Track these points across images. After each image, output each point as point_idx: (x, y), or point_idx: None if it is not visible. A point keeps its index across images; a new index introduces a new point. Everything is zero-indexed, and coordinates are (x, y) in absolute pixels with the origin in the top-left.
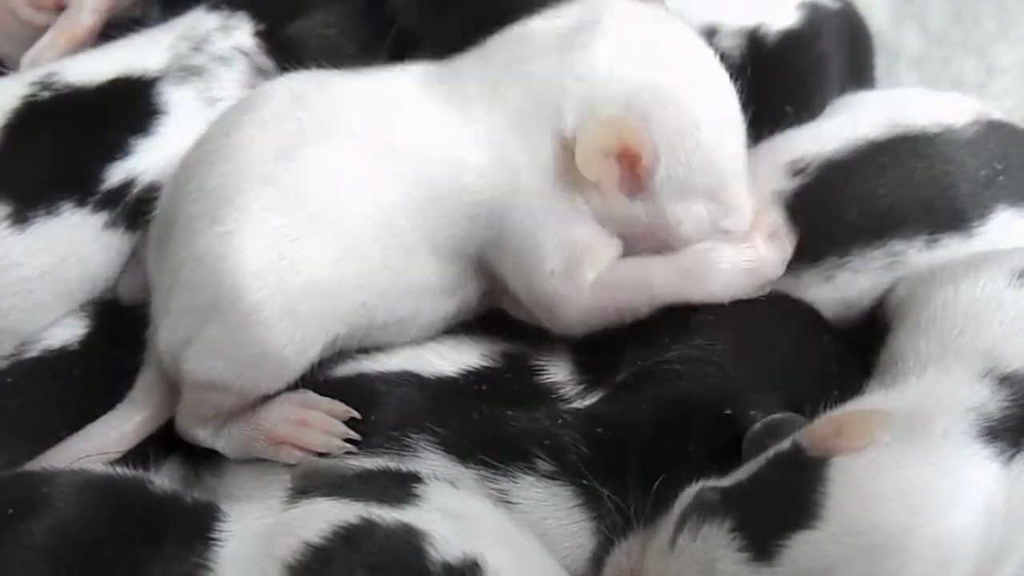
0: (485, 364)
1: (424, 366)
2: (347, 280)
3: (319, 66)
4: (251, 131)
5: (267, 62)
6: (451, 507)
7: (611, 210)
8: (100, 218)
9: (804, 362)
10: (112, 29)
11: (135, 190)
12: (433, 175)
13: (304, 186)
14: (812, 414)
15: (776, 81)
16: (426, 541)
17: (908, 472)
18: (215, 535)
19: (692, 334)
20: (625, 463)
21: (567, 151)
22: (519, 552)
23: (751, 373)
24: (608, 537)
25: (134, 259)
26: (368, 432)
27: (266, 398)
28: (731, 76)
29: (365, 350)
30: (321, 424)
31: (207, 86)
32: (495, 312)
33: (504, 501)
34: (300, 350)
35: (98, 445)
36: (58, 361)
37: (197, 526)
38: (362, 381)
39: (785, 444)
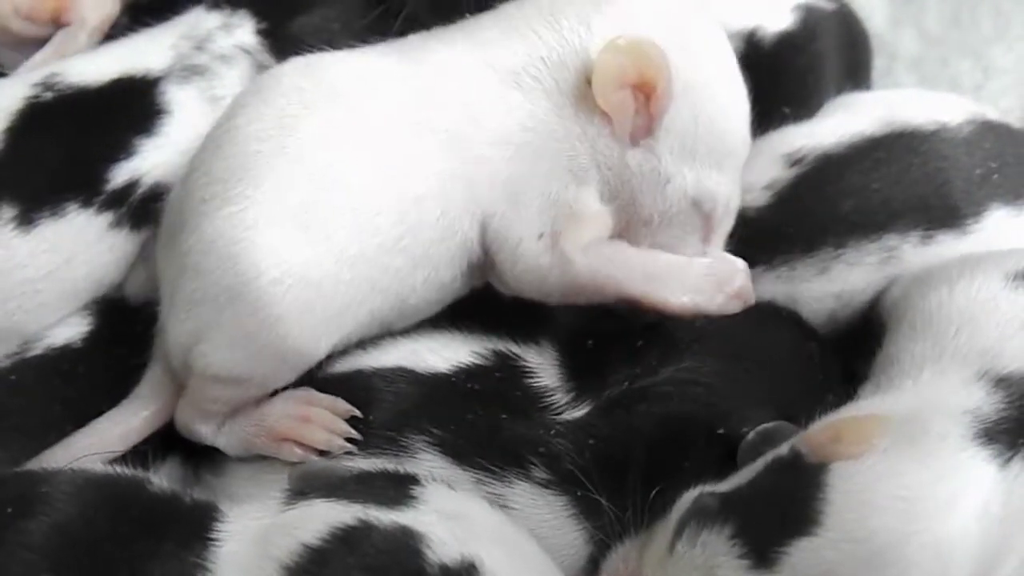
0: (475, 361)
1: (418, 362)
2: (365, 246)
3: None
4: (256, 110)
5: (270, 60)
6: (448, 509)
7: (611, 158)
8: (105, 218)
9: (792, 374)
10: (111, 28)
11: (140, 190)
12: (446, 123)
13: (314, 153)
14: (804, 423)
15: (773, 83)
16: (423, 543)
17: (906, 478)
18: (213, 535)
19: (680, 354)
20: (619, 475)
21: (584, 81)
22: (516, 554)
23: (741, 391)
24: (604, 543)
25: (141, 258)
26: (366, 432)
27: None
28: None
29: (362, 346)
30: (323, 421)
31: (210, 85)
32: (480, 301)
33: (500, 506)
34: (318, 331)
35: (101, 442)
36: (62, 359)
37: (196, 526)
38: (359, 378)
39: (783, 450)
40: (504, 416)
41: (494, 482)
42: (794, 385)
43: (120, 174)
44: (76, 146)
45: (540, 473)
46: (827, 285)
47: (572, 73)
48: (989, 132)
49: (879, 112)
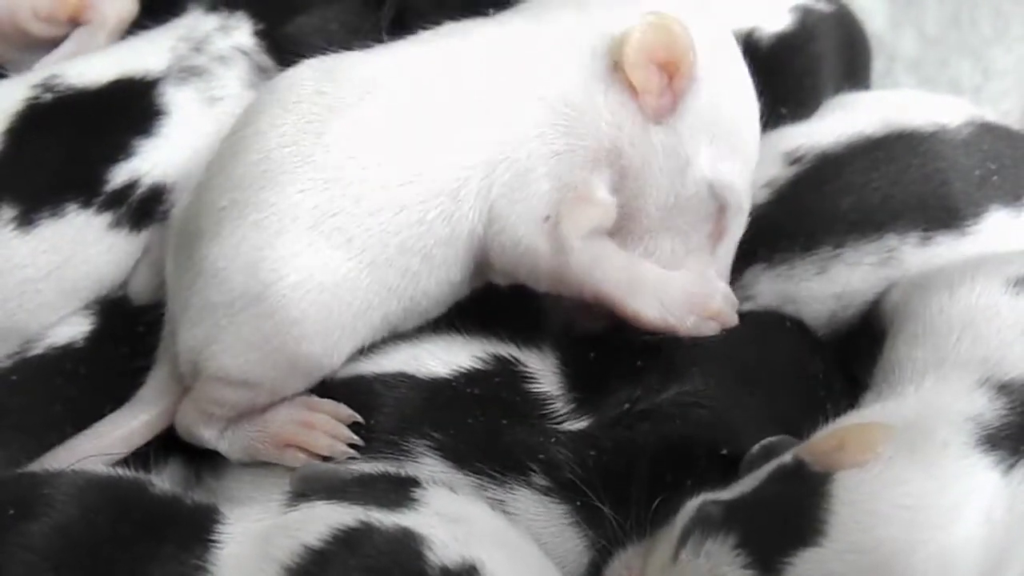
0: (476, 366)
1: (419, 367)
2: (386, 247)
3: None
4: (274, 116)
5: (267, 60)
6: (450, 511)
7: (635, 135)
8: (105, 219)
9: (797, 395)
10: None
11: (139, 191)
12: (471, 113)
13: (340, 157)
14: (807, 438)
15: (771, 84)
16: (425, 545)
17: (910, 487)
18: (214, 537)
19: (682, 375)
20: (620, 486)
21: (613, 62)
22: (517, 557)
23: (745, 414)
24: (605, 552)
25: (144, 260)
26: (368, 437)
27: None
28: None
29: (363, 351)
30: (326, 427)
31: (208, 86)
32: (481, 305)
33: (502, 512)
34: (333, 337)
35: (103, 445)
36: (63, 358)
37: (197, 528)
38: (360, 383)
39: (787, 458)
40: (504, 421)
41: (495, 487)
42: (798, 406)
43: (119, 175)
44: (75, 147)
45: (540, 480)
46: (827, 285)
47: (601, 54)
48: (988, 134)
49: (878, 112)
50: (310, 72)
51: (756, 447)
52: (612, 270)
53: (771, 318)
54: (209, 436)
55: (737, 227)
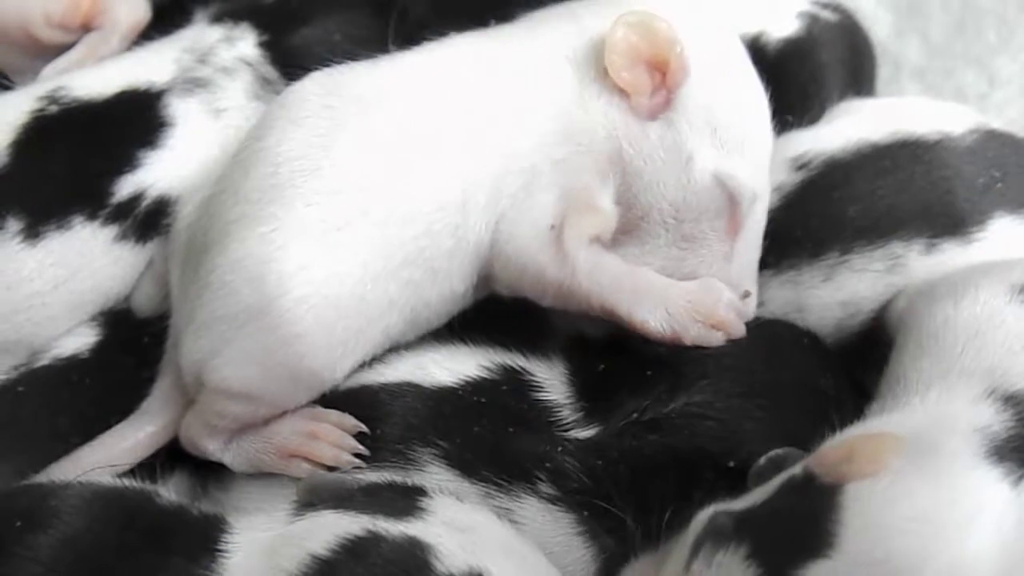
0: (482, 375)
1: (424, 376)
2: (391, 259)
3: None
4: (285, 130)
5: (272, 72)
6: (457, 520)
7: (633, 134)
8: (111, 231)
9: (806, 410)
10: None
11: (144, 202)
12: (475, 124)
13: (347, 171)
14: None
15: (776, 91)
16: (432, 554)
17: (921, 500)
18: (221, 547)
19: (691, 386)
20: (627, 497)
21: (604, 65)
22: (525, 566)
23: (753, 427)
24: (612, 562)
25: (149, 272)
26: (373, 446)
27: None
28: None
29: (368, 362)
30: (331, 437)
31: (213, 97)
32: (487, 315)
33: (509, 521)
34: (335, 351)
35: (109, 456)
36: (69, 369)
37: (204, 538)
38: (365, 393)
39: (796, 470)
40: (511, 429)
41: (501, 496)
42: (806, 421)
43: (125, 187)
44: (81, 159)
45: (547, 489)
46: (833, 292)
47: (592, 60)
48: (993, 141)
49: (884, 119)
50: (316, 86)
51: (763, 459)
52: (616, 281)
53: (785, 330)
54: (213, 448)
55: (755, 219)
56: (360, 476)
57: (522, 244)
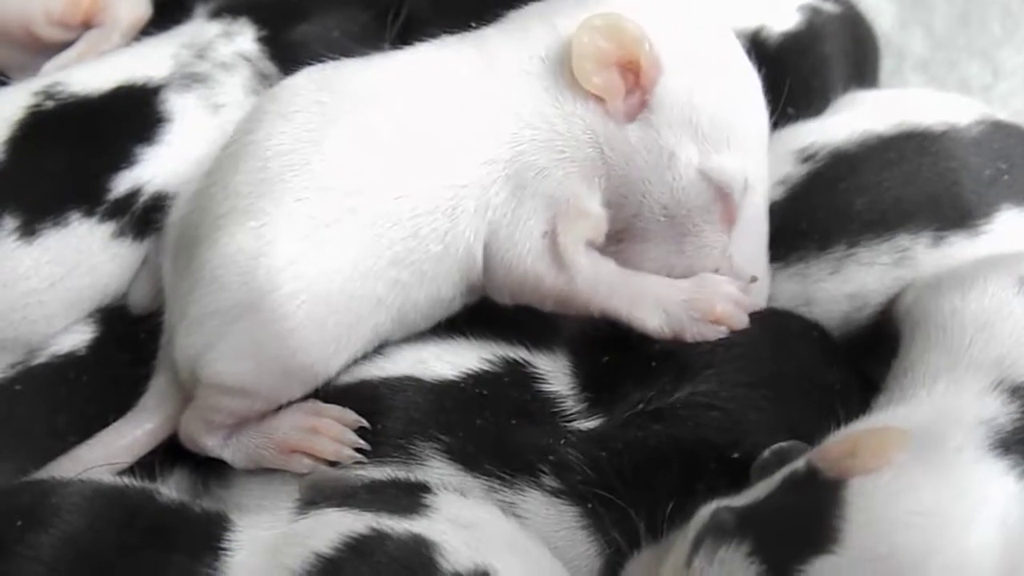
0: (484, 368)
1: (425, 370)
2: (379, 259)
3: None
4: (273, 125)
5: (270, 67)
6: (461, 517)
7: (614, 138)
8: (108, 228)
9: (811, 404)
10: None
11: (142, 199)
12: (459, 129)
13: (336, 167)
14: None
15: (779, 84)
16: (436, 551)
17: (925, 494)
18: (224, 545)
19: (696, 377)
20: (631, 489)
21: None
22: (530, 562)
23: (758, 419)
24: (616, 555)
25: (145, 268)
26: (375, 441)
27: (276, 408)
28: None
29: (368, 356)
30: (331, 432)
31: (211, 93)
32: (489, 310)
33: (512, 515)
34: (327, 347)
35: (108, 453)
36: (66, 367)
37: (206, 536)
38: (365, 388)
39: (800, 464)
40: (514, 421)
41: (504, 489)
42: (812, 414)
43: (122, 183)
44: (78, 155)
45: (550, 481)
46: (841, 285)
47: (565, 64)
48: (999, 132)
49: (890, 111)
50: (308, 82)
51: (767, 452)
52: (612, 286)
53: (793, 322)
54: (213, 444)
55: (753, 206)
56: (362, 472)
57: (518, 254)
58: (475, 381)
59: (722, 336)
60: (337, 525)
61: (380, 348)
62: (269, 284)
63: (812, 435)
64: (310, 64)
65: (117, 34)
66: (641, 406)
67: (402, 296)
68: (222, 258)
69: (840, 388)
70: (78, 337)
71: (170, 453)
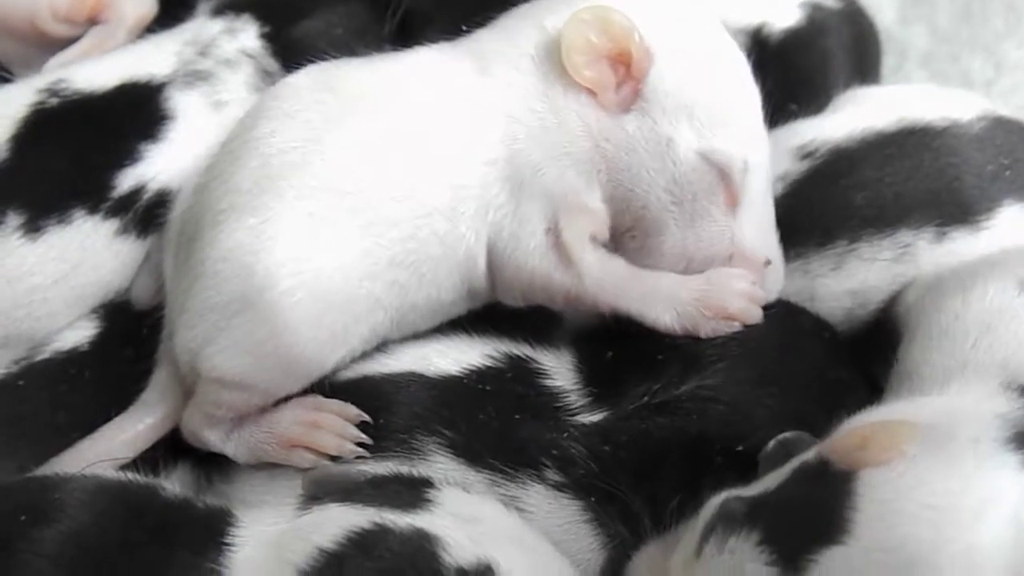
0: (487, 364)
1: (428, 366)
2: (377, 259)
3: None
4: (275, 122)
5: (273, 64)
6: (464, 511)
7: (609, 130)
8: (112, 225)
9: (817, 401)
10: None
11: (146, 196)
12: (457, 134)
13: (336, 166)
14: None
15: (780, 80)
16: (440, 546)
17: (936, 486)
18: (228, 541)
19: (703, 370)
20: (635, 482)
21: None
22: (533, 556)
23: (763, 414)
24: (620, 549)
25: (147, 264)
26: (377, 436)
27: (277, 402)
28: None
29: (370, 352)
30: (333, 426)
31: (214, 90)
32: (492, 308)
33: (515, 509)
34: (324, 344)
35: (110, 449)
36: (69, 362)
37: (210, 531)
38: (368, 384)
39: (810, 455)
40: (517, 416)
41: (507, 483)
42: (818, 409)
43: (126, 180)
44: (82, 152)
45: (554, 476)
46: (843, 281)
47: (555, 60)
48: (1001, 128)
49: (891, 107)
50: (310, 81)
51: (772, 442)
52: (622, 284)
53: (805, 320)
54: (214, 439)
55: (755, 185)
56: (364, 467)
57: (524, 253)
58: (478, 377)
59: (735, 330)
60: (340, 520)
61: (382, 345)
62: (267, 280)
63: (819, 432)
64: (312, 61)
65: (122, 31)
66: (646, 399)
67: (401, 297)
68: (221, 253)
69: (847, 388)
70: (81, 333)
71: (173, 449)
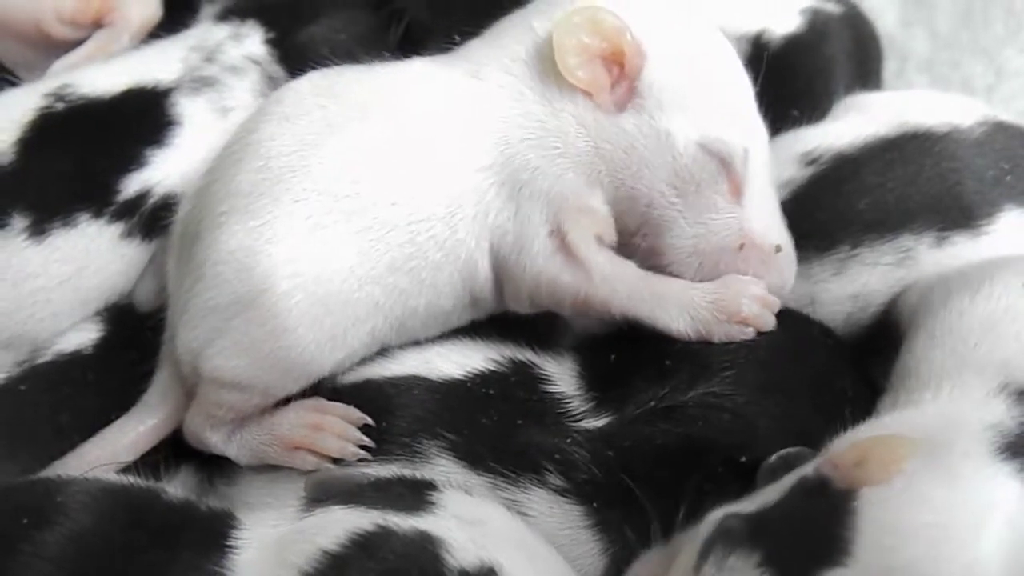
0: (491, 368)
1: (431, 370)
2: (376, 264)
3: None
4: (276, 126)
5: (278, 70)
6: (467, 514)
7: (608, 131)
8: (116, 229)
9: (823, 412)
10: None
11: (151, 200)
12: (451, 140)
13: (335, 171)
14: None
15: (781, 85)
16: (443, 548)
17: (934, 503)
18: (231, 543)
19: (710, 377)
20: (637, 487)
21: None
22: (535, 559)
23: (768, 424)
24: (621, 555)
25: (150, 267)
26: (380, 438)
27: (279, 404)
28: None
29: (373, 356)
30: (336, 429)
31: (219, 96)
32: (496, 316)
33: (517, 513)
34: (323, 346)
35: (112, 451)
36: (71, 365)
37: (213, 534)
38: (371, 387)
39: (808, 470)
40: (519, 421)
41: (509, 487)
42: (823, 424)
43: (131, 185)
44: (87, 157)
45: (555, 480)
46: (844, 286)
47: (549, 63)
48: (1001, 133)
49: (893, 113)
50: (311, 87)
51: (773, 457)
52: (633, 288)
53: (813, 329)
54: (217, 441)
55: (756, 171)
56: (367, 470)
57: (529, 256)
58: (481, 381)
59: (750, 336)
60: (344, 522)
61: (385, 349)
62: (266, 282)
63: (822, 443)
64: (316, 66)
65: (127, 34)
66: (653, 403)
67: (400, 302)
68: (222, 255)
69: (852, 397)
70: (84, 336)
71: (176, 451)
